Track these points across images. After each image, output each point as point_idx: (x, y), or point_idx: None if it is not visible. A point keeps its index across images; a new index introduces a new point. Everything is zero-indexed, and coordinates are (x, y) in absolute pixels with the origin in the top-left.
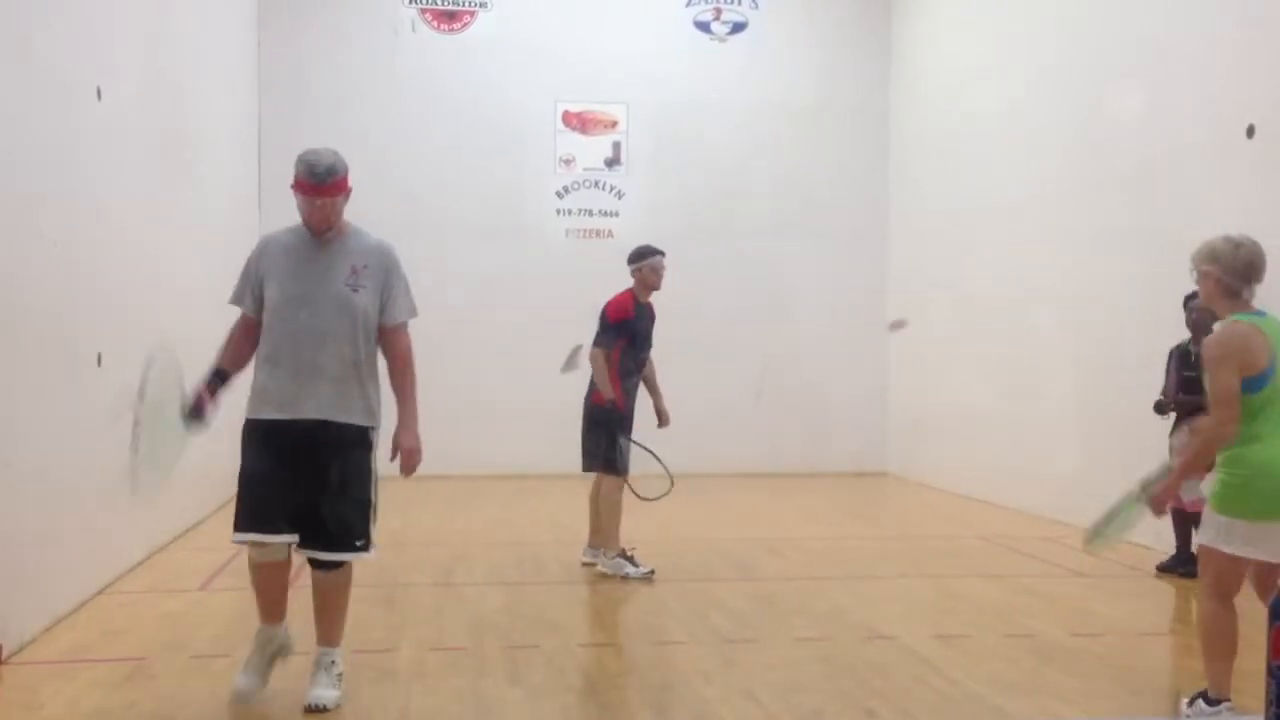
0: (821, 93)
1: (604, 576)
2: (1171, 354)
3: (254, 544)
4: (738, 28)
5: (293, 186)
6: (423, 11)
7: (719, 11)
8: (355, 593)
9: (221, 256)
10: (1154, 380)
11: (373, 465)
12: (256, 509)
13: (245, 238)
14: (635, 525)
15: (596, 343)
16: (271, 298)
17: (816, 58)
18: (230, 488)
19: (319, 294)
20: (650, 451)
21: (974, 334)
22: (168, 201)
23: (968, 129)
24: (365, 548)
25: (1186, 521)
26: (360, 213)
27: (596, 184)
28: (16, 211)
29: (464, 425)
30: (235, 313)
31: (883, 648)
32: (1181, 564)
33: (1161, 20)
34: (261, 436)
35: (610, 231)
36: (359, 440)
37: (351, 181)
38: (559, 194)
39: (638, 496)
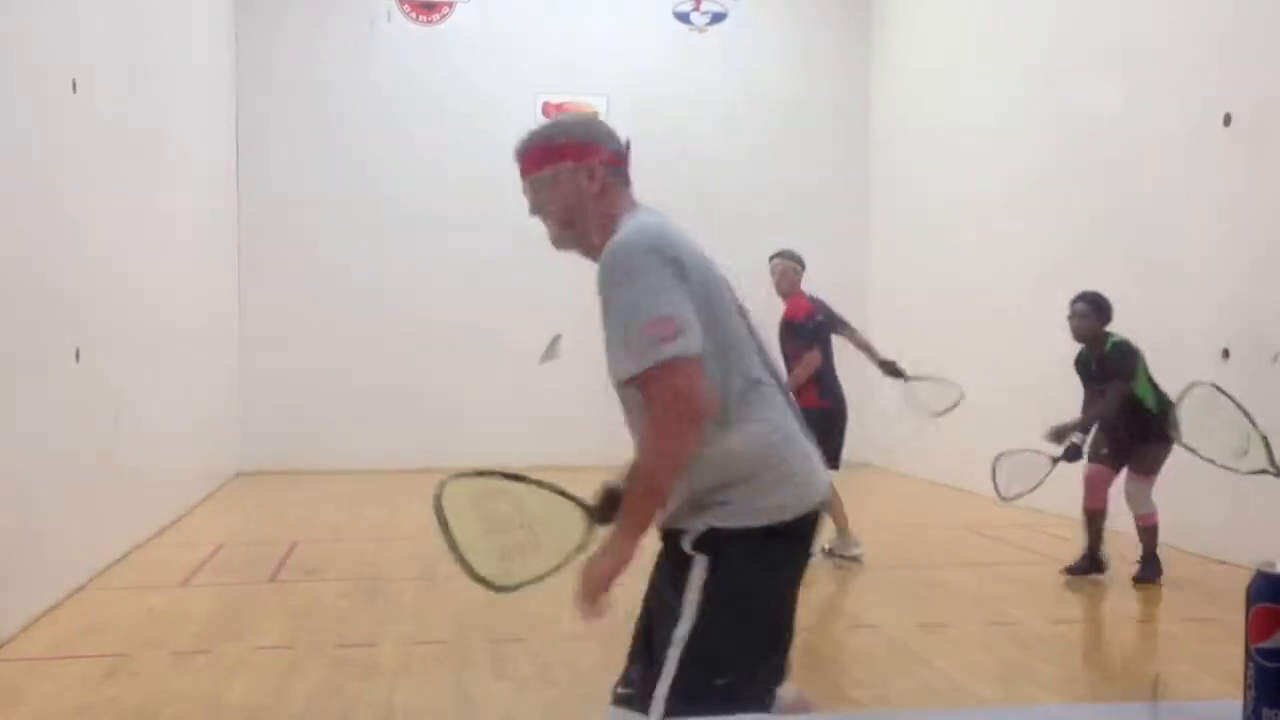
0: (802, 84)
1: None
2: (1084, 370)
3: None
4: (717, 18)
5: None
6: (401, 3)
7: (698, 2)
8: (338, 588)
9: (199, 251)
10: None
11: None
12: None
13: (223, 229)
14: None
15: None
16: None
17: (797, 49)
18: (210, 483)
19: None
20: None
21: (954, 325)
22: (145, 194)
23: (948, 120)
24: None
25: (1096, 521)
26: (338, 208)
27: None
28: None
29: (450, 419)
30: (214, 309)
31: (865, 637)
32: (1094, 567)
33: (1139, 11)
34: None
35: None
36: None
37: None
38: None
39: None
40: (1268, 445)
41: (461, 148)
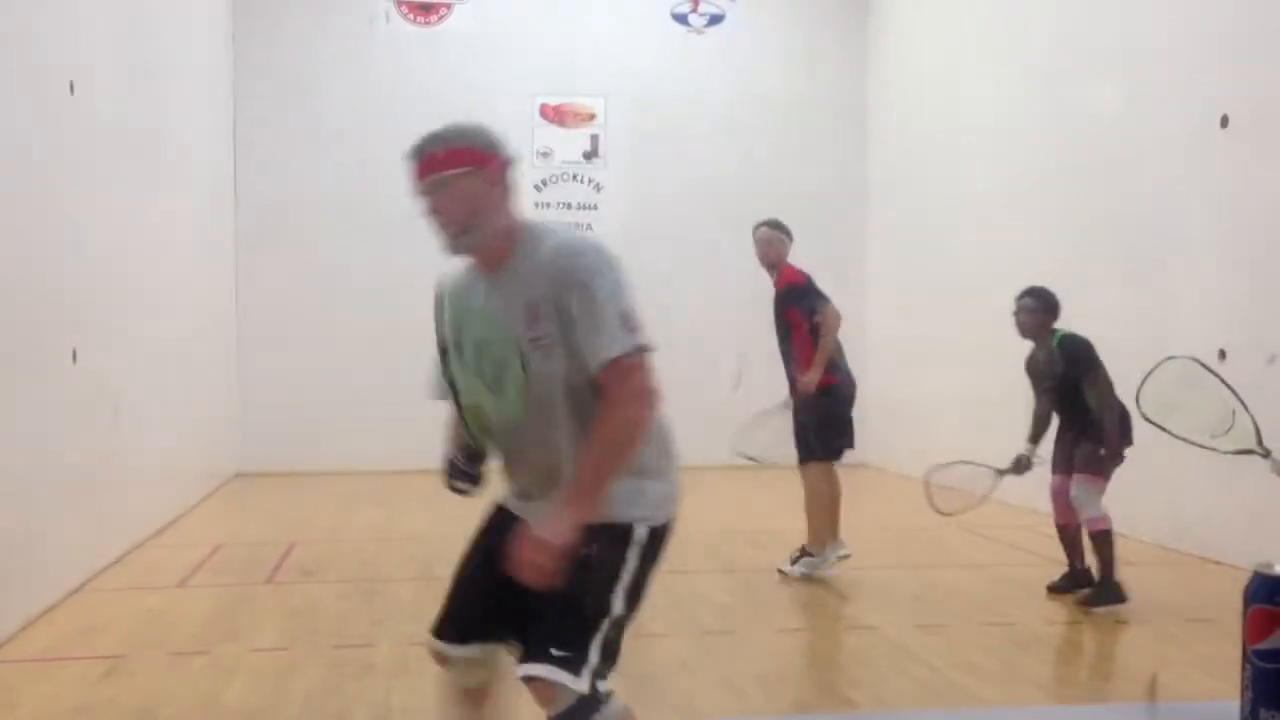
0: (799, 85)
1: None
2: (1034, 370)
3: None
4: (715, 20)
5: None
6: (399, 4)
7: (696, 3)
8: (336, 589)
9: (198, 251)
10: (1130, 370)
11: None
12: None
13: (221, 230)
14: None
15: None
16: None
17: (794, 50)
18: (209, 483)
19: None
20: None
21: (951, 325)
22: (142, 195)
23: (947, 121)
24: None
25: (1068, 535)
26: (337, 208)
27: (574, 177)
28: None
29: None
30: (213, 309)
31: (863, 637)
32: (1075, 585)
33: (1137, 12)
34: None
35: (589, 225)
36: None
37: (481, 156)
38: (537, 187)
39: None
40: (1255, 425)
41: None
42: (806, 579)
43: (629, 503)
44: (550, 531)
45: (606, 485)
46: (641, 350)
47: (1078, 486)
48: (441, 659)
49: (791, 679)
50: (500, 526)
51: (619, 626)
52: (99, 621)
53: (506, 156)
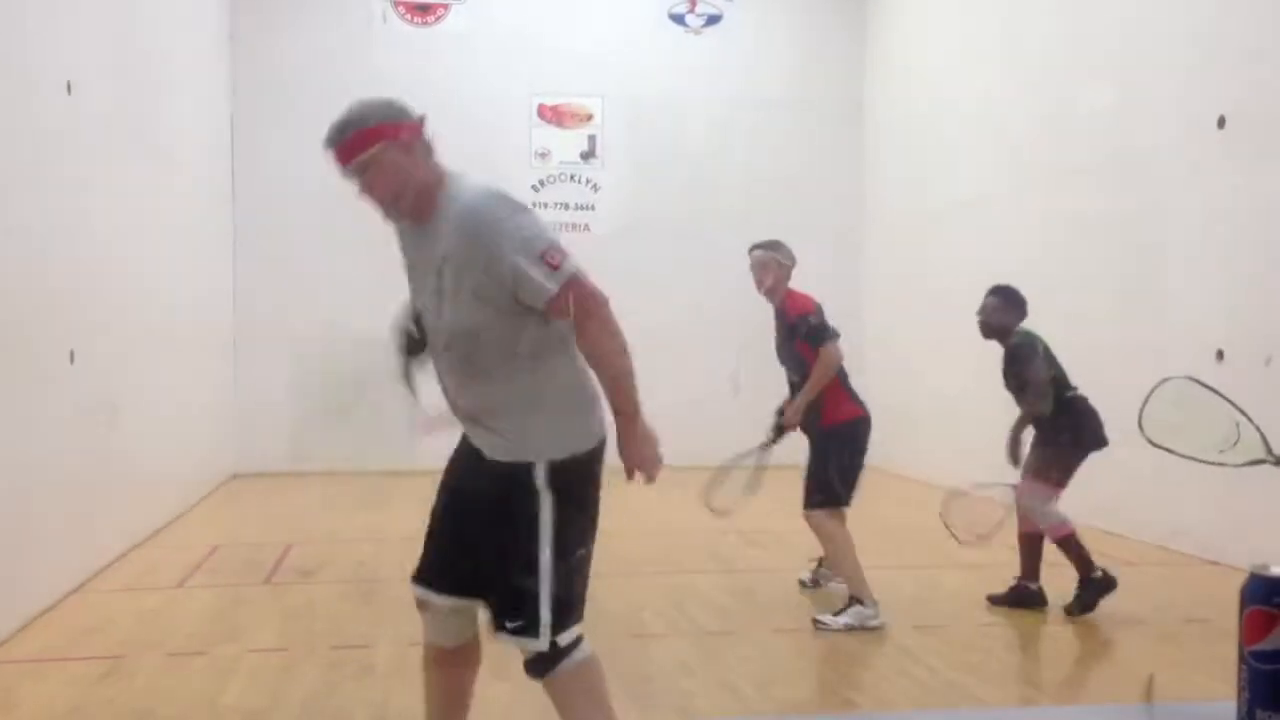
0: (796, 85)
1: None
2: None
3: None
4: (712, 20)
5: None
6: (396, 4)
7: (694, 4)
8: (334, 589)
9: (195, 252)
10: (1125, 370)
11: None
12: None
13: (218, 232)
14: (614, 519)
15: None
16: None
17: (791, 50)
18: (206, 485)
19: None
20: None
21: (950, 325)
22: (139, 195)
23: (943, 121)
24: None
25: (1027, 544)
26: (334, 209)
27: (572, 177)
28: None
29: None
30: (210, 310)
31: (862, 638)
32: (1018, 603)
33: (1134, 11)
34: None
35: (587, 225)
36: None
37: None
38: (535, 188)
39: None
40: (1263, 434)
41: (458, 150)
42: (850, 629)
43: (518, 446)
44: (630, 445)
45: (629, 383)
46: (570, 277)
47: (1025, 494)
48: (422, 605)
49: (791, 679)
50: (455, 468)
51: (564, 576)
52: (97, 622)
53: (416, 120)
